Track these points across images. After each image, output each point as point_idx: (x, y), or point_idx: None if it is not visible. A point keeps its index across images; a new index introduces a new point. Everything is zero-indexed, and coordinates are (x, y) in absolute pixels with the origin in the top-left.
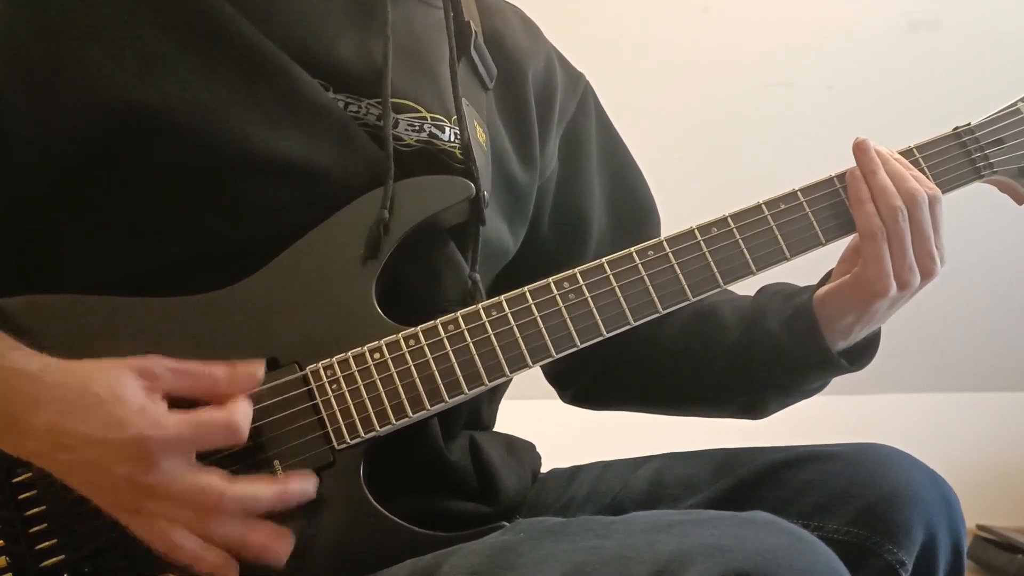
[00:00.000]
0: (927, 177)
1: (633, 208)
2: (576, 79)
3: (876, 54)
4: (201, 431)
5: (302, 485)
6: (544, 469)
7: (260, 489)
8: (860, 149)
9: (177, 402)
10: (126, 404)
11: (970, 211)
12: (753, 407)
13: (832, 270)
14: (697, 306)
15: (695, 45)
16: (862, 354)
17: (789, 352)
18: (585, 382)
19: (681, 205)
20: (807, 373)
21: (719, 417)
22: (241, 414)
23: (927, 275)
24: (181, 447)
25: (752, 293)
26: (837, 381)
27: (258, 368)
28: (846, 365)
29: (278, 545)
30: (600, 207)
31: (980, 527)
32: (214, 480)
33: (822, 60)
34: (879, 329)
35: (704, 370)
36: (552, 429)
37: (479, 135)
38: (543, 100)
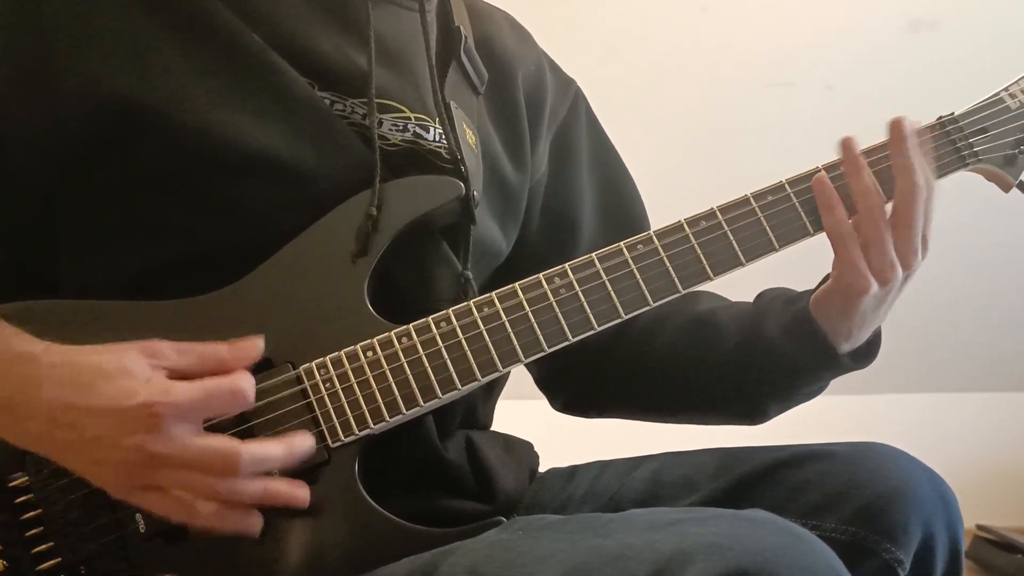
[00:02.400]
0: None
1: (623, 213)
2: (567, 84)
3: (876, 54)
4: (209, 396)
5: (303, 442)
6: (542, 468)
7: (270, 447)
8: (845, 147)
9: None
10: (133, 376)
11: (969, 211)
12: (752, 412)
13: (829, 273)
14: (693, 312)
15: (695, 45)
16: (865, 353)
17: (791, 355)
18: (574, 389)
19: (681, 205)
20: (810, 374)
21: (715, 424)
22: (247, 381)
23: (907, 268)
24: (190, 413)
25: (742, 284)
26: (837, 381)
27: (257, 341)
28: (849, 363)
29: (299, 491)
30: (590, 211)
31: (979, 527)
32: (227, 441)
33: (822, 60)
34: (880, 328)
35: (702, 376)
36: (550, 429)
37: (468, 137)
38: (533, 103)
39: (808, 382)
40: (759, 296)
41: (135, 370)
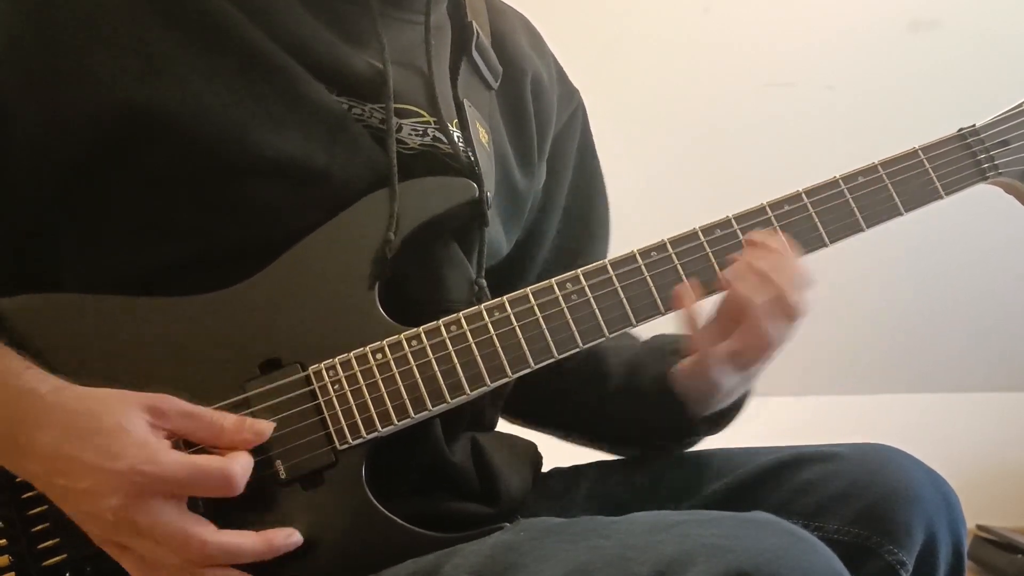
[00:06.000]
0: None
1: (582, 224)
2: (571, 94)
3: (876, 54)
4: (196, 475)
5: (286, 539)
6: (545, 468)
7: (245, 541)
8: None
9: (181, 446)
10: (127, 436)
11: (969, 212)
12: (655, 447)
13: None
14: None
15: (695, 45)
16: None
17: (663, 413)
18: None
19: (681, 205)
20: (674, 433)
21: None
22: (239, 467)
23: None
24: (173, 488)
25: None
26: (838, 381)
27: (267, 428)
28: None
29: None
30: (551, 234)
31: (980, 527)
32: (199, 528)
33: (822, 60)
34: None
35: (590, 410)
36: None
37: (481, 135)
38: (541, 113)
39: (690, 433)
40: (650, 340)
41: (131, 429)
